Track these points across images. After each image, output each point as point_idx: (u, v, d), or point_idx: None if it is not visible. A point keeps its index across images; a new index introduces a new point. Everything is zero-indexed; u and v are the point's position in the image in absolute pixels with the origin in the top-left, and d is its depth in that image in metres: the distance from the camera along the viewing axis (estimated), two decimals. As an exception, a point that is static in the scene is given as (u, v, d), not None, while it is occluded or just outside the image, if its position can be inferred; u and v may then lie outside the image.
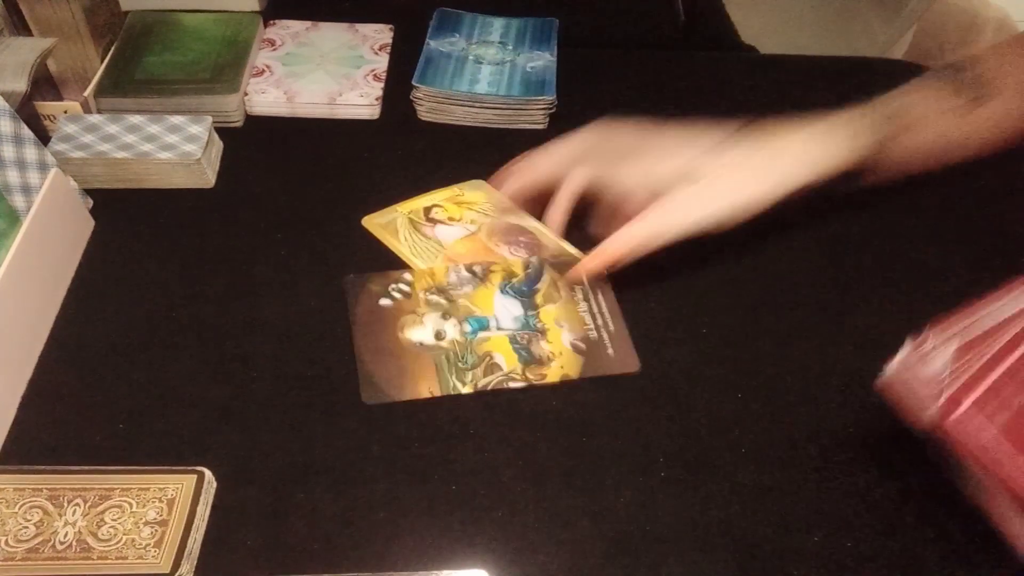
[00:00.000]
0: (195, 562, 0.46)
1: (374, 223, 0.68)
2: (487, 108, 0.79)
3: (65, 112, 0.73)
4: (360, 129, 0.79)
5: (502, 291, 0.61)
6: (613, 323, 0.60)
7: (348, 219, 0.69)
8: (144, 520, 0.47)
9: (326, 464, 0.52)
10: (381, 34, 0.89)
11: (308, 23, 0.89)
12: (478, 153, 0.77)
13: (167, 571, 0.45)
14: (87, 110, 0.75)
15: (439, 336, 0.59)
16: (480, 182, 0.73)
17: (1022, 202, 0.74)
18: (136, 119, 0.72)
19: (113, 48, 0.80)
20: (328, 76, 0.82)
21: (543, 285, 0.62)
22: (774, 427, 0.55)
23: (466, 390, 0.56)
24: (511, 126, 0.80)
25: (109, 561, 0.45)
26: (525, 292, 0.61)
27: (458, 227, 0.68)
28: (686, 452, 0.54)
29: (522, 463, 0.53)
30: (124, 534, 0.46)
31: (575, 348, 0.58)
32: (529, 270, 0.63)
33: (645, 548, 0.49)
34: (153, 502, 0.48)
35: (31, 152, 0.61)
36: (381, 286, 0.62)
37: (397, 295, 0.61)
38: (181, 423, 0.54)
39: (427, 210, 0.70)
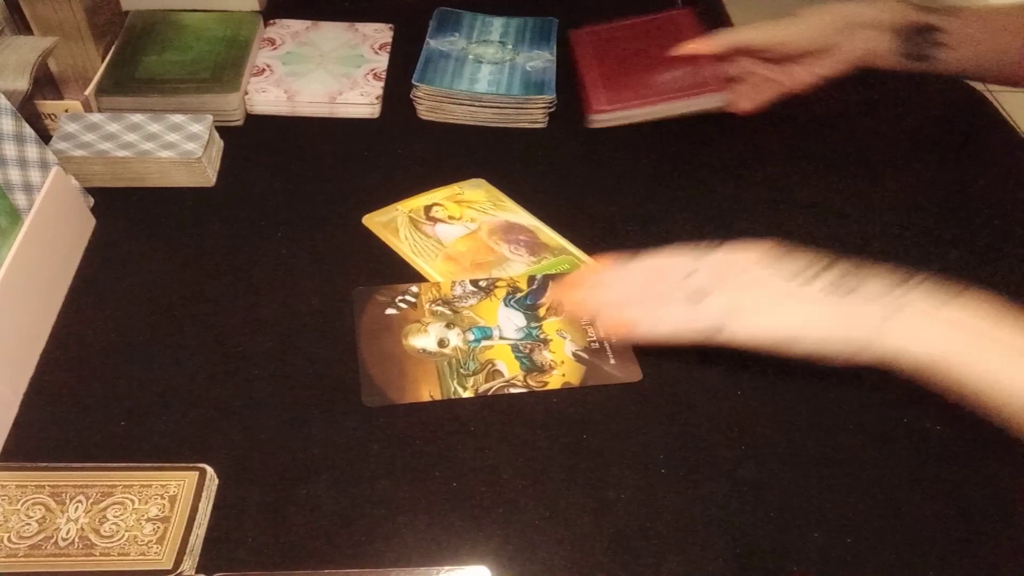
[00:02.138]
0: (197, 558, 0.47)
1: (375, 221, 0.69)
2: (487, 107, 0.79)
3: (66, 111, 0.73)
4: (360, 128, 0.79)
5: (506, 303, 0.62)
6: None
7: (349, 217, 0.69)
8: (146, 517, 0.47)
9: (327, 462, 0.52)
10: (381, 33, 0.89)
11: (308, 22, 0.89)
12: (478, 152, 0.77)
13: (169, 567, 0.45)
14: (88, 109, 0.75)
15: (442, 344, 0.59)
16: (480, 181, 0.73)
17: (1022, 202, 0.74)
18: (137, 118, 0.72)
19: (114, 47, 0.80)
20: (328, 75, 0.82)
21: (547, 299, 0.62)
22: (773, 425, 0.56)
23: (467, 394, 0.56)
24: (511, 125, 0.80)
25: (111, 558, 0.45)
26: (529, 305, 0.62)
27: (458, 225, 0.68)
28: (686, 450, 0.54)
29: (522, 461, 0.53)
30: (126, 531, 0.46)
31: (577, 358, 0.59)
32: (534, 285, 0.63)
33: (646, 545, 0.49)
34: (155, 499, 0.48)
35: (33, 151, 0.61)
36: (388, 297, 0.62)
37: (403, 305, 0.62)
38: (182, 421, 0.54)
39: (427, 208, 0.70)
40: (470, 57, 0.85)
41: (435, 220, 0.69)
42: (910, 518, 0.51)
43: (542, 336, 0.60)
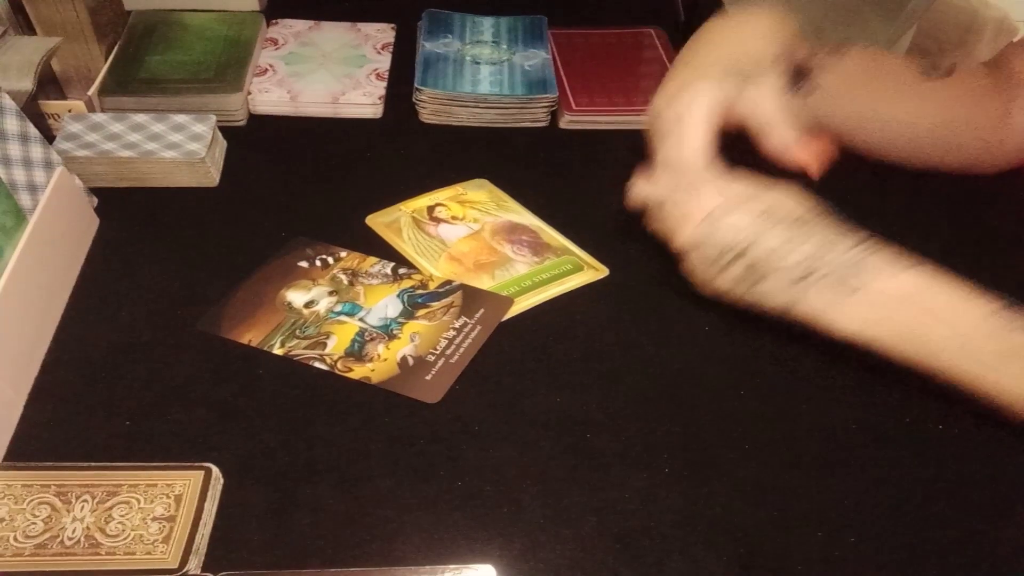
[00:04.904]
0: (203, 557, 0.47)
1: (378, 222, 0.69)
2: (491, 108, 0.80)
3: (69, 111, 0.74)
4: (363, 128, 0.79)
5: (398, 295, 0.62)
6: (458, 357, 0.58)
7: (352, 218, 0.69)
8: (152, 516, 0.47)
9: (331, 461, 0.53)
10: (383, 33, 0.89)
11: (310, 22, 0.90)
12: (480, 152, 0.77)
13: (175, 566, 0.45)
14: (91, 109, 0.75)
15: (308, 305, 0.61)
16: (483, 181, 0.73)
17: (1018, 202, 0.74)
18: (140, 118, 0.72)
19: (117, 47, 0.81)
20: (331, 75, 0.82)
21: (438, 305, 0.62)
22: (776, 425, 0.56)
23: (277, 351, 0.58)
24: (513, 125, 0.80)
25: (117, 557, 0.45)
26: (416, 302, 0.62)
27: (461, 226, 0.69)
28: (689, 450, 0.54)
29: (526, 461, 0.53)
30: (132, 530, 0.47)
31: (402, 362, 0.58)
32: (442, 288, 0.63)
33: (649, 544, 0.49)
34: (161, 498, 0.48)
35: (37, 151, 0.61)
36: (314, 252, 0.65)
37: (317, 263, 0.64)
38: (186, 421, 0.54)
39: (430, 209, 0.70)
40: (467, 58, 0.85)
41: (438, 220, 0.69)
42: (910, 518, 0.51)
43: (395, 332, 0.60)
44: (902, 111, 0.70)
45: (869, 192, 0.74)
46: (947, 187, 0.73)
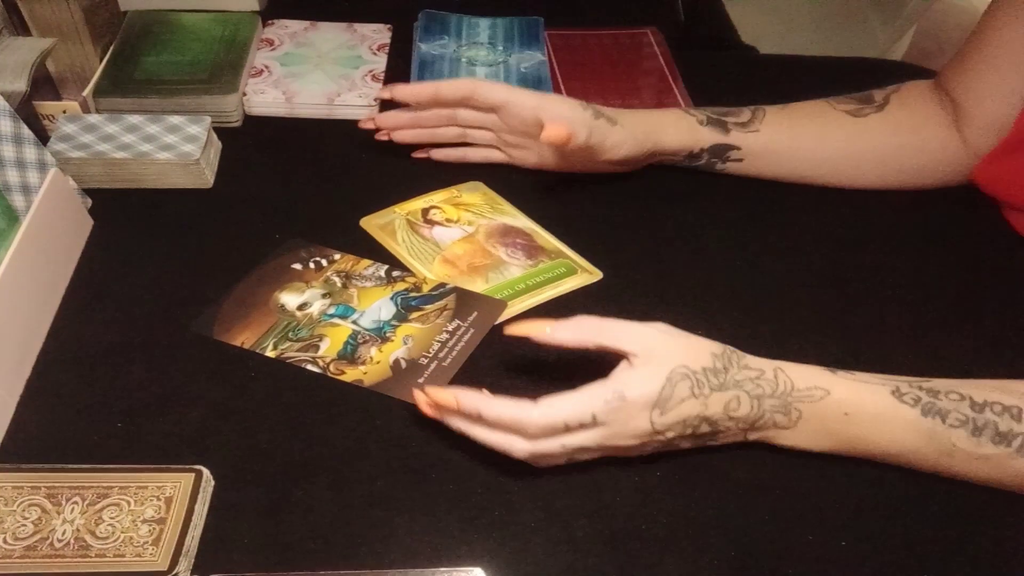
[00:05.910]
0: (192, 560, 0.47)
1: (372, 224, 0.69)
2: (486, 109, 0.79)
3: (64, 112, 0.73)
4: (358, 129, 0.79)
5: (391, 297, 0.62)
6: (451, 360, 0.58)
7: (346, 220, 0.69)
8: (142, 518, 0.47)
9: (324, 463, 0.52)
10: (379, 34, 0.89)
11: (306, 23, 0.89)
12: (476, 153, 0.77)
13: (164, 569, 0.45)
14: (86, 110, 0.75)
15: (302, 307, 0.61)
16: (477, 183, 0.73)
17: (989, 206, 0.74)
18: (135, 119, 0.72)
19: (112, 48, 0.81)
20: (326, 76, 0.82)
21: (431, 308, 0.61)
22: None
23: (270, 353, 0.58)
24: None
25: (107, 559, 0.45)
26: (410, 304, 0.61)
27: (456, 228, 0.68)
28: (681, 452, 0.54)
29: (519, 463, 0.53)
30: (122, 532, 0.46)
31: (395, 364, 0.58)
32: (436, 291, 0.62)
33: (642, 546, 0.49)
34: (151, 500, 0.48)
35: (30, 152, 0.61)
36: (308, 254, 0.65)
37: (311, 265, 0.64)
38: (179, 422, 0.54)
39: (425, 211, 0.70)
40: (463, 60, 0.85)
41: (432, 223, 0.69)
42: (907, 519, 0.51)
43: (388, 335, 0.60)
44: (843, 149, 0.72)
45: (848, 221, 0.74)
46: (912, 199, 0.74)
